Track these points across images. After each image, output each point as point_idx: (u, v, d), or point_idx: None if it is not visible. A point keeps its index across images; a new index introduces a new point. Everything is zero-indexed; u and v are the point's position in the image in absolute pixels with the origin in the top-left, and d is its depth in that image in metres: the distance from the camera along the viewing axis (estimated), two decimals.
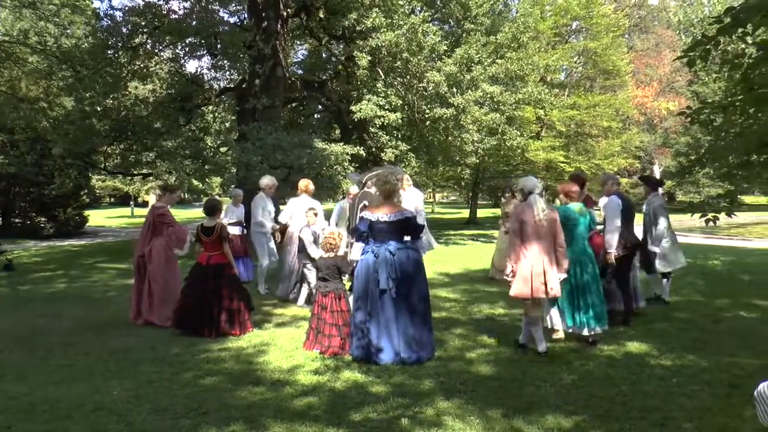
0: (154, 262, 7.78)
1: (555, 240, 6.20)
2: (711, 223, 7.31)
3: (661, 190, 9.11)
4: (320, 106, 25.48)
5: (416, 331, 5.88)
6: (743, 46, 7.29)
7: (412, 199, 8.41)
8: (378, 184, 6.30)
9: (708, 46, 6.44)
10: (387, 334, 5.82)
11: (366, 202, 6.68)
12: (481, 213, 37.86)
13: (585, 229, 6.64)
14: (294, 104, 24.47)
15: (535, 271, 6.03)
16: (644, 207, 8.91)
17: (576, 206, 6.72)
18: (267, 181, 10.42)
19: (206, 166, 18.41)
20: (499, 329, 7.40)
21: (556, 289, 6.10)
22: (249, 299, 7.41)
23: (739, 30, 6.19)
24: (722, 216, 7.57)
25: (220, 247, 7.28)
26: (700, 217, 7.08)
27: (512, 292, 6.23)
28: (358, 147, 18.62)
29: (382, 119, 17.74)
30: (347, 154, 17.73)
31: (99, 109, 18.12)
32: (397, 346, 5.82)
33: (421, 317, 5.96)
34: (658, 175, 25.82)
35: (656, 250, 8.55)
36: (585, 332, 6.45)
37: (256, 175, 15.28)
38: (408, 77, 18.42)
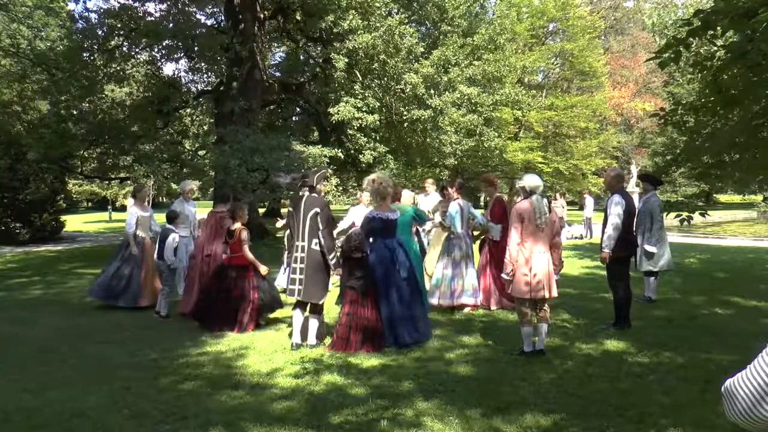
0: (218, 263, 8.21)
1: (553, 241, 6.26)
2: (686, 223, 7.39)
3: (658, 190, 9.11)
4: (298, 109, 25.45)
5: (421, 313, 6.88)
6: (714, 48, 7.39)
7: (434, 203, 9.51)
8: (376, 187, 6.89)
9: (679, 48, 6.52)
10: (409, 317, 6.67)
11: (318, 209, 6.60)
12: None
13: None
14: (272, 107, 24.41)
15: (534, 272, 6.03)
16: (641, 205, 8.91)
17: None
18: (190, 185, 10.59)
19: (184, 170, 18.30)
20: (481, 330, 7.40)
21: (554, 290, 6.14)
22: (267, 301, 7.78)
23: (709, 33, 6.27)
24: (697, 215, 7.66)
25: (240, 250, 7.65)
26: (675, 216, 7.17)
27: (510, 292, 6.31)
28: (336, 149, 18.67)
29: (360, 121, 17.80)
30: (325, 156, 17.75)
31: (75, 112, 17.94)
32: (413, 328, 6.65)
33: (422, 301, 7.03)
34: (634, 176, 26.02)
35: (653, 249, 8.59)
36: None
37: (234, 179, 15.27)
38: (385, 79, 18.49)
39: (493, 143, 21.03)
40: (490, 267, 8.59)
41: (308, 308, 6.77)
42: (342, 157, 19.21)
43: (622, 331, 7.12)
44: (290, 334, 6.85)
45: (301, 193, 6.80)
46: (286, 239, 6.67)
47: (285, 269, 7.58)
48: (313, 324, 6.63)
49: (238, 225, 7.74)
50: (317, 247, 6.52)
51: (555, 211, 6.36)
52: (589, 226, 21.54)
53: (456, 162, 22.58)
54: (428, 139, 19.66)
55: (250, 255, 7.66)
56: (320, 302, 6.69)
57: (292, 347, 6.55)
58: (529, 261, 6.06)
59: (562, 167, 30.87)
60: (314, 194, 6.75)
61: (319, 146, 18.64)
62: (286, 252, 6.70)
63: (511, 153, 27.42)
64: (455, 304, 8.25)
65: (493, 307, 8.47)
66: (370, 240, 6.75)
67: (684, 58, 6.96)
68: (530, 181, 6.34)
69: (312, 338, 6.60)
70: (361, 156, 19.20)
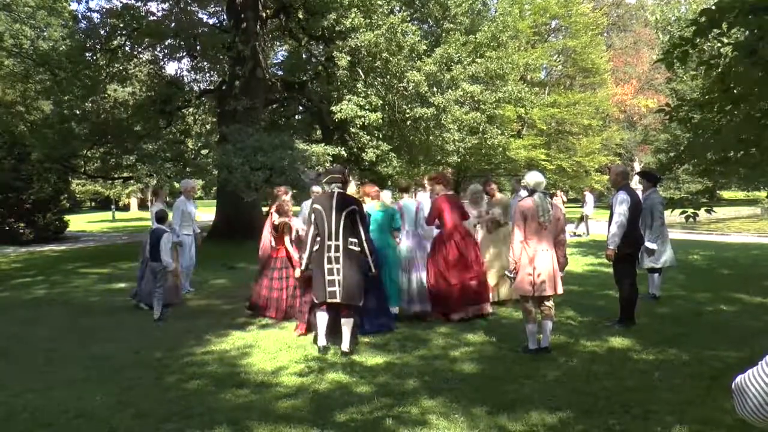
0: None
1: (558, 238, 6.24)
2: (691, 219, 7.36)
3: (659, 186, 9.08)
4: (301, 107, 25.41)
5: (381, 305, 7.31)
6: (719, 45, 7.36)
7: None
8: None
9: (686, 48, 6.48)
10: (370, 308, 7.08)
11: (355, 206, 6.51)
12: None
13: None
14: (274, 105, 24.40)
15: (538, 270, 6.02)
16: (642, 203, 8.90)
17: (375, 204, 7.76)
18: (191, 184, 10.69)
19: (187, 169, 18.33)
20: (485, 327, 7.39)
21: (560, 287, 6.13)
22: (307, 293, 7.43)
23: (715, 30, 6.24)
24: (701, 211, 7.62)
25: (284, 243, 8.06)
26: (681, 213, 7.14)
27: (514, 289, 6.35)
28: (339, 147, 18.64)
29: (362, 119, 17.81)
30: (328, 154, 17.72)
31: (78, 112, 17.97)
32: (373, 317, 7.13)
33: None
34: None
35: (654, 246, 8.55)
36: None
37: (237, 177, 15.25)
38: (388, 77, 18.49)
39: (496, 141, 21.08)
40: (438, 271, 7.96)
41: (342, 312, 6.49)
42: (345, 155, 19.14)
43: (626, 329, 7.09)
44: (315, 338, 6.66)
45: (330, 190, 6.59)
46: (310, 239, 6.49)
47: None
48: (348, 328, 6.44)
49: (283, 219, 8.07)
50: (354, 247, 6.40)
51: (559, 208, 6.35)
52: (585, 223, 21.45)
53: (459, 160, 22.57)
54: (431, 137, 19.67)
55: (290, 248, 7.99)
56: (360, 304, 6.54)
57: (319, 351, 6.38)
58: (533, 259, 6.05)
59: (565, 164, 30.82)
60: (346, 191, 6.69)
61: (322, 145, 18.61)
62: (305, 253, 6.55)
63: (514, 150, 27.38)
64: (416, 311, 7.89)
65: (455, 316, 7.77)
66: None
67: (689, 57, 6.91)
68: (533, 178, 6.32)
69: (347, 344, 6.38)
70: (364, 154, 19.23)
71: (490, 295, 8.26)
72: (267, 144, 16.32)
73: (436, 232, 8.13)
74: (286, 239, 8.05)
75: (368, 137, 19.25)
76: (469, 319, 7.63)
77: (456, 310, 7.68)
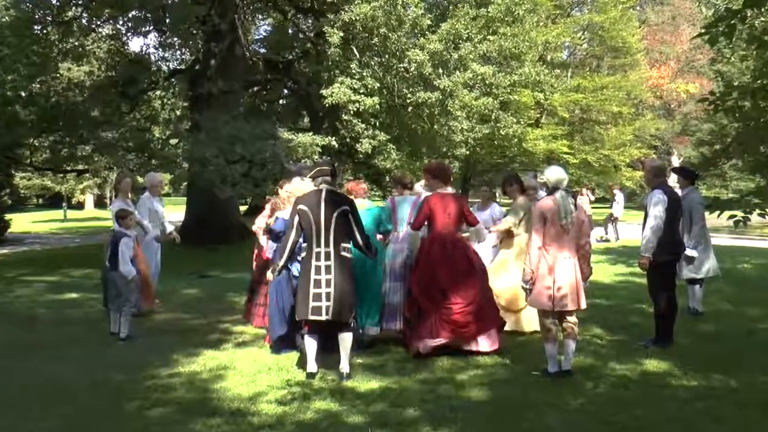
0: None
1: (581, 243, 6.27)
2: (741, 224, 7.27)
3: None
4: (286, 91, 25.48)
5: None
6: None
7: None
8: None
9: (733, 21, 6.39)
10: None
11: (347, 207, 6.46)
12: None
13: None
14: (256, 88, 24.46)
15: (559, 281, 6.04)
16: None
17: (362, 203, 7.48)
18: (157, 178, 10.70)
19: (153, 161, 18.32)
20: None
21: (583, 301, 6.15)
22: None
23: None
24: (753, 214, 7.50)
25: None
26: (729, 218, 7.04)
27: (530, 303, 6.31)
28: (329, 137, 18.73)
29: (356, 105, 17.87)
30: (317, 145, 17.85)
31: (23, 94, 17.84)
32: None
33: None
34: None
35: (694, 254, 8.53)
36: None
37: (211, 171, 15.27)
38: (386, 56, 18.51)
39: (511, 130, 21.05)
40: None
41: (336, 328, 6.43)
42: (336, 146, 19.30)
43: (664, 349, 7.07)
44: (303, 363, 6.58)
45: (317, 187, 6.52)
46: (290, 243, 6.43)
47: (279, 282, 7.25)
48: (347, 344, 6.37)
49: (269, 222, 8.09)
50: (347, 253, 6.39)
51: (583, 209, 6.35)
52: (613, 225, 21.46)
53: (468, 152, 22.51)
54: (436, 126, 19.66)
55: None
56: (351, 321, 6.50)
57: (307, 377, 6.32)
58: (553, 269, 6.06)
59: (591, 158, 30.74)
60: (335, 188, 6.65)
61: (310, 134, 18.69)
62: (281, 259, 6.51)
63: (532, 142, 27.22)
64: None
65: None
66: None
67: (737, 32, 6.84)
68: (553, 174, 6.31)
69: (346, 365, 6.32)
70: (358, 145, 19.24)
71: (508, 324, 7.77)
72: (246, 133, 16.39)
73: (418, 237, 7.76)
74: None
75: (363, 126, 19.26)
76: (456, 352, 7.07)
77: (423, 338, 7.04)
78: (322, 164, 6.89)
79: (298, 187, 7.35)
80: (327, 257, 6.26)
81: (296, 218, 6.34)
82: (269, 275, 7.21)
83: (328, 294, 6.19)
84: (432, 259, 7.18)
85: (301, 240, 6.49)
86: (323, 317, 6.21)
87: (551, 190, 6.28)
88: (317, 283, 6.21)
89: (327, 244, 6.28)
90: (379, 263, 7.61)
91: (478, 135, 20.25)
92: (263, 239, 8.48)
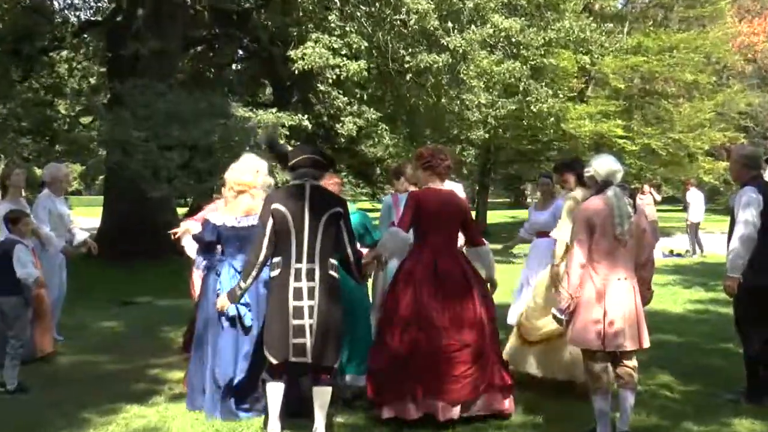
0: None
1: (641, 260, 6.27)
2: None
3: None
4: (241, 52, 25.32)
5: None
6: None
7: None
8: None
9: None
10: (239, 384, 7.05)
11: (339, 209, 6.44)
12: (495, 217, 37.74)
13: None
14: (200, 48, 24.31)
15: (612, 311, 6.01)
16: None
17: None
18: (59, 171, 10.54)
19: (57, 147, 18.18)
20: (524, 401, 7.31)
21: (646, 339, 6.13)
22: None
23: None
24: None
25: None
26: None
27: (571, 342, 6.30)
28: (300, 115, 18.77)
29: (337, 71, 17.93)
30: (284, 125, 17.97)
31: None
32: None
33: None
34: None
35: None
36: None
37: (138, 161, 15.19)
38: (378, 5, 18.55)
39: (545, 106, 21.08)
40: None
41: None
42: (309, 126, 19.31)
43: (758, 406, 6.99)
44: (264, 422, 6.55)
45: (297, 181, 6.50)
46: (260, 259, 6.37)
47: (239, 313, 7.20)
48: (325, 399, 6.34)
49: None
50: (335, 273, 6.36)
51: (644, 213, 6.39)
52: (692, 235, 21.46)
53: (487, 135, 22.50)
54: (444, 100, 19.70)
55: (196, 275, 8.35)
56: (337, 365, 6.51)
57: None
58: (603, 294, 6.04)
59: (655, 144, 30.58)
60: (321, 183, 6.64)
61: (274, 110, 18.78)
62: (245, 281, 6.37)
63: (574, 122, 27.17)
64: None
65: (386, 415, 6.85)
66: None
67: None
68: (603, 165, 6.32)
69: (322, 426, 6.30)
70: (338, 125, 19.36)
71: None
72: (187, 109, 16.49)
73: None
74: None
75: (346, 99, 19.33)
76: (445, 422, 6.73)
77: (397, 400, 6.74)
78: (306, 149, 6.84)
79: (241, 174, 7.32)
80: (310, 277, 6.23)
81: (270, 222, 6.27)
82: (220, 303, 6.92)
83: (311, 327, 6.15)
84: (415, 280, 6.91)
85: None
86: (308, 358, 6.18)
87: (601, 187, 6.25)
88: (298, 312, 6.14)
89: (311, 259, 6.26)
90: (365, 290, 7.72)
91: (500, 112, 20.33)
92: (190, 249, 8.39)
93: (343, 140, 19.98)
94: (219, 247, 7.26)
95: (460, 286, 6.95)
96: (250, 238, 6.69)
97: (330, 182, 7.59)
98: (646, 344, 6.16)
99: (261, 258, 6.29)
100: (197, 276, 8.07)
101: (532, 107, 21.22)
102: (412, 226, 7.03)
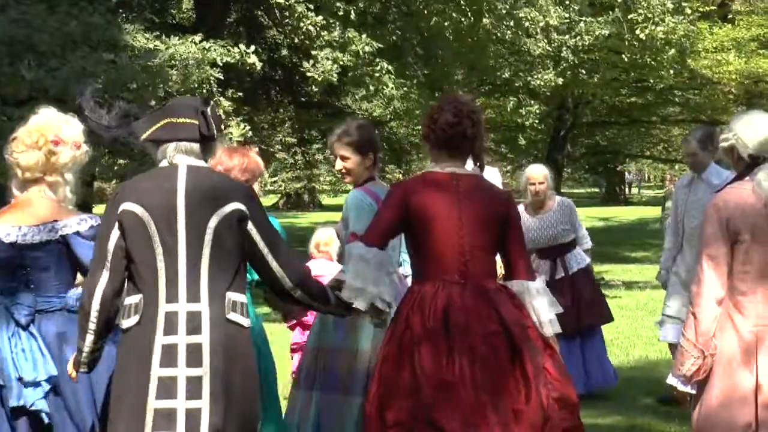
0: None
1: None
2: None
3: None
4: None
5: None
6: None
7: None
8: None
9: None
10: None
11: (240, 205, 5.78)
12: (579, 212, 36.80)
13: None
14: None
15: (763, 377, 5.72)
16: None
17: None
18: None
19: None
20: None
21: None
22: None
23: None
24: None
25: None
26: None
27: (699, 429, 5.99)
28: (241, 45, 17.81)
29: None
30: (215, 63, 17.09)
31: None
32: None
33: None
34: None
35: None
36: None
37: None
38: None
39: (660, 29, 20.24)
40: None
41: None
42: (259, 66, 18.39)
43: None
44: None
45: (167, 160, 5.84)
46: (94, 299, 5.58)
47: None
48: None
49: None
50: (239, 316, 5.73)
51: None
52: None
53: (562, 80, 21.59)
54: (487, 19, 18.94)
55: None
56: None
57: None
58: (755, 350, 5.71)
59: None
60: (206, 163, 6.04)
61: (197, 37, 17.67)
62: (83, 339, 5.71)
63: (710, 55, 25.86)
64: None
65: None
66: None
67: None
68: (754, 132, 5.91)
69: None
70: (308, 63, 18.41)
71: None
72: (46, 36, 15.50)
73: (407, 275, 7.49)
74: None
75: (320, 19, 18.37)
76: None
77: None
78: (180, 103, 6.30)
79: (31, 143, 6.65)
80: (192, 327, 5.67)
81: (115, 235, 5.67)
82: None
83: (191, 415, 5.59)
84: (419, 339, 6.11)
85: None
86: None
87: (747, 166, 5.91)
88: (165, 389, 5.59)
89: (193, 295, 5.71)
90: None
91: (585, 40, 19.72)
92: None
93: (315, 89, 18.92)
94: None
95: (492, 353, 6.07)
96: (44, 265, 6.28)
97: (248, 161, 7.71)
98: None
99: (96, 299, 5.62)
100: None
101: (636, 31, 20.34)
102: (389, 240, 6.44)
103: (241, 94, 18.29)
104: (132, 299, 5.59)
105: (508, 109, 27.44)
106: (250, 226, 5.67)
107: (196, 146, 5.70)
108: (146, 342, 5.51)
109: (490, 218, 6.11)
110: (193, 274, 5.56)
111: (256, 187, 7.58)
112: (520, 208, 10.54)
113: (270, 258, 5.75)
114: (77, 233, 6.20)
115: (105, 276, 5.54)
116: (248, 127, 19.50)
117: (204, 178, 5.73)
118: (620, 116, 29.58)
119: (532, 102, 26.60)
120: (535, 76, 20.80)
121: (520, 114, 28.11)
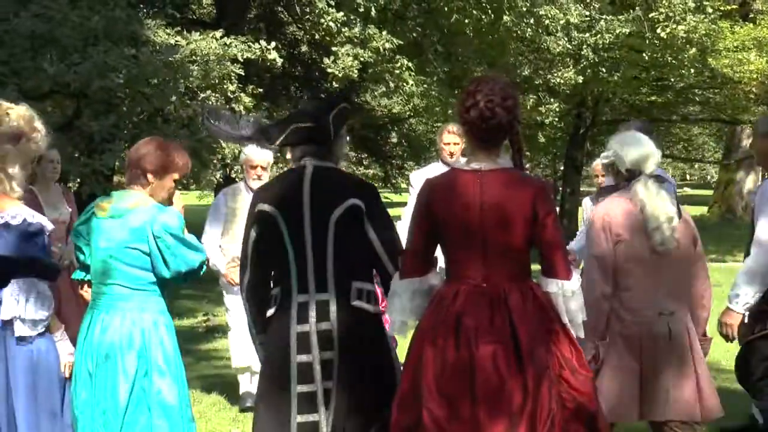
0: None
1: (699, 289, 6.51)
2: None
3: None
4: None
5: None
6: None
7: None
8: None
9: None
10: None
11: (357, 200, 5.98)
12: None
13: None
14: None
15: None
16: None
17: None
18: None
19: None
20: None
21: (716, 406, 6.39)
22: None
23: None
24: None
25: None
26: None
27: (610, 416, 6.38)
28: (261, 41, 17.89)
29: None
30: (236, 59, 17.02)
31: None
32: None
33: None
34: None
35: None
36: None
37: None
38: None
39: (682, 28, 20.22)
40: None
41: None
42: (279, 62, 18.35)
43: None
44: None
45: (296, 163, 6.23)
46: (247, 294, 6.16)
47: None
48: None
49: None
50: (365, 304, 6.09)
51: (688, 219, 6.57)
52: None
53: (582, 78, 22.01)
54: (507, 17, 18.84)
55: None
56: None
57: None
58: (636, 341, 6.51)
59: None
60: (331, 164, 6.26)
61: (218, 33, 17.69)
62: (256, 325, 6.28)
63: (731, 54, 25.90)
64: None
65: None
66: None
67: None
68: (628, 150, 6.41)
69: None
70: (329, 60, 18.47)
71: None
72: (67, 30, 15.42)
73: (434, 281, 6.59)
74: None
75: (341, 15, 18.31)
76: None
77: None
78: (305, 112, 6.75)
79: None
80: (322, 313, 6.00)
81: (252, 234, 6.14)
82: None
83: (326, 394, 5.95)
84: (428, 343, 5.80)
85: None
86: None
87: (626, 179, 6.43)
88: (304, 374, 5.92)
89: (321, 285, 6.05)
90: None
91: (605, 39, 19.63)
92: None
93: (335, 85, 18.76)
94: None
95: (495, 365, 5.71)
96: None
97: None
98: (718, 412, 6.42)
99: (245, 291, 6.25)
100: None
101: (657, 30, 20.34)
102: (432, 258, 6.15)
103: (261, 90, 18.29)
104: (274, 291, 5.98)
105: (528, 107, 27.34)
106: (366, 220, 5.95)
107: (320, 148, 5.99)
108: (284, 331, 5.91)
109: (516, 217, 5.82)
110: (320, 265, 5.87)
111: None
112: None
113: (381, 251, 6.05)
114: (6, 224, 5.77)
115: (248, 271, 6.01)
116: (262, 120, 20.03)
117: (327, 177, 6.04)
118: (640, 115, 29.43)
119: (552, 100, 26.47)
120: (555, 74, 21.08)
121: (540, 112, 28.10)
